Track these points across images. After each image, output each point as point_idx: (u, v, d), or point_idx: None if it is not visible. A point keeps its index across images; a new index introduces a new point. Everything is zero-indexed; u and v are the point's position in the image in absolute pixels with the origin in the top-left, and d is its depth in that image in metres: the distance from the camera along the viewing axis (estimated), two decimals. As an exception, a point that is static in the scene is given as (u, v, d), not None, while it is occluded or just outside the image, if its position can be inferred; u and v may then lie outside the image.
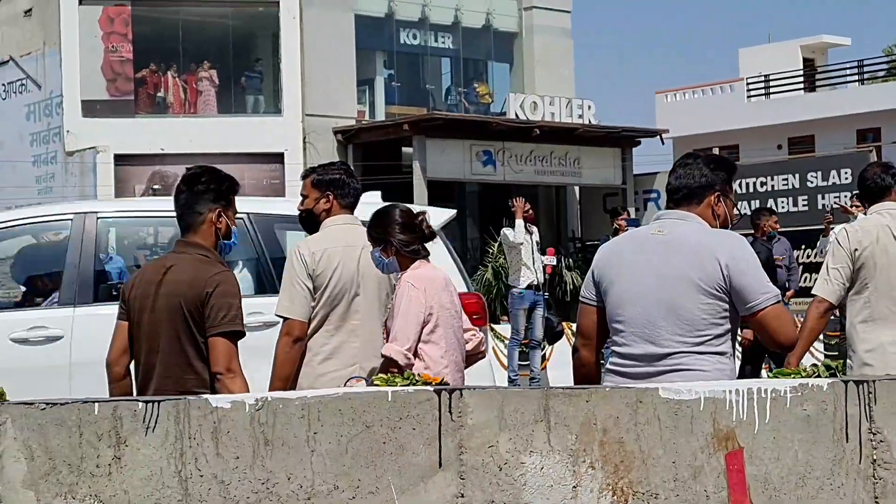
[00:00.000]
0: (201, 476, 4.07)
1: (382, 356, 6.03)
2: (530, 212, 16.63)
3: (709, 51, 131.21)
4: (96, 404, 4.08)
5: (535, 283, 16.39)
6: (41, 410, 4.05)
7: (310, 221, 6.60)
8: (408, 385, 4.26)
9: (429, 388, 4.19)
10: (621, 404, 4.23)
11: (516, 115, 30.37)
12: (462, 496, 4.14)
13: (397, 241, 6.15)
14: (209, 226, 5.55)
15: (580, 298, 5.30)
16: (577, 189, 33.02)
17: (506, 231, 16.71)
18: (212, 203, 5.56)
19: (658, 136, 32.96)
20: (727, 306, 4.99)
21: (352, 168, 6.84)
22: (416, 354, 6.04)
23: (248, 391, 5.33)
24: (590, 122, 31.20)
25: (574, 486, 4.19)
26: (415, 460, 4.14)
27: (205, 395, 4.29)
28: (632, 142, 32.31)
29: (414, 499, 4.12)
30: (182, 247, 5.60)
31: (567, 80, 33.87)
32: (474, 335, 6.52)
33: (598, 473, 4.20)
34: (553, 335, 16.89)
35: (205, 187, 5.58)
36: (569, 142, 30.63)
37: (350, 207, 6.53)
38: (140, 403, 4.10)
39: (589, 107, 31.45)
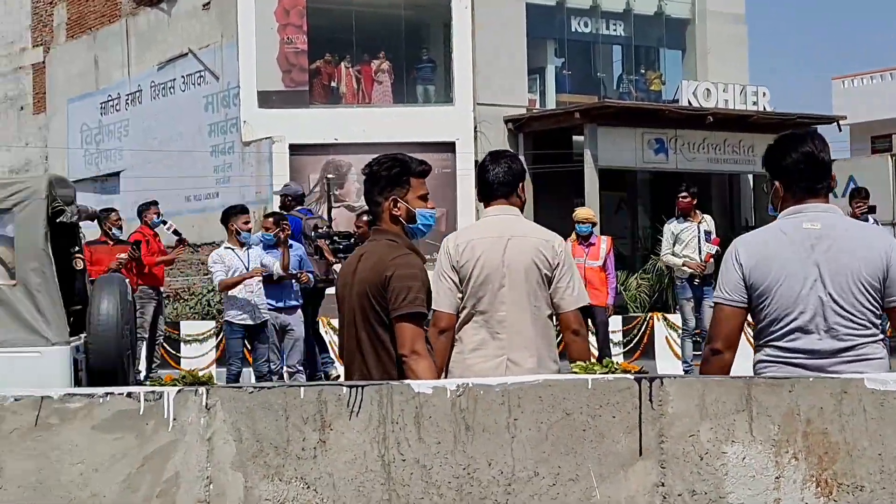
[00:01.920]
0: (403, 460, 4.11)
1: None
2: (685, 199, 16.39)
3: (888, 34, 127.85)
4: (302, 388, 4.16)
5: (698, 273, 16.22)
6: (249, 394, 4.14)
7: None
8: (607, 373, 4.25)
9: (629, 376, 4.17)
10: (825, 395, 4.16)
11: (689, 102, 30.04)
12: (662, 485, 4.12)
13: None
14: (387, 214, 5.66)
15: (721, 301, 5.12)
16: (750, 177, 32.54)
17: (664, 234, 16.78)
18: (386, 192, 5.66)
19: (835, 123, 32.28)
20: (881, 299, 4.95)
21: (501, 154, 6.73)
22: None
23: (434, 372, 5.41)
24: (764, 108, 30.71)
25: (776, 477, 4.14)
26: (615, 448, 4.12)
27: (407, 381, 4.33)
28: (807, 129, 31.67)
29: (614, 487, 4.11)
30: (374, 234, 5.77)
31: (741, 67, 33.34)
32: None
33: (802, 465, 4.14)
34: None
35: (376, 177, 5.70)
36: (743, 129, 30.17)
37: (503, 196, 6.48)
38: (344, 388, 4.15)
39: (763, 93, 30.94)
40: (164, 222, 16.27)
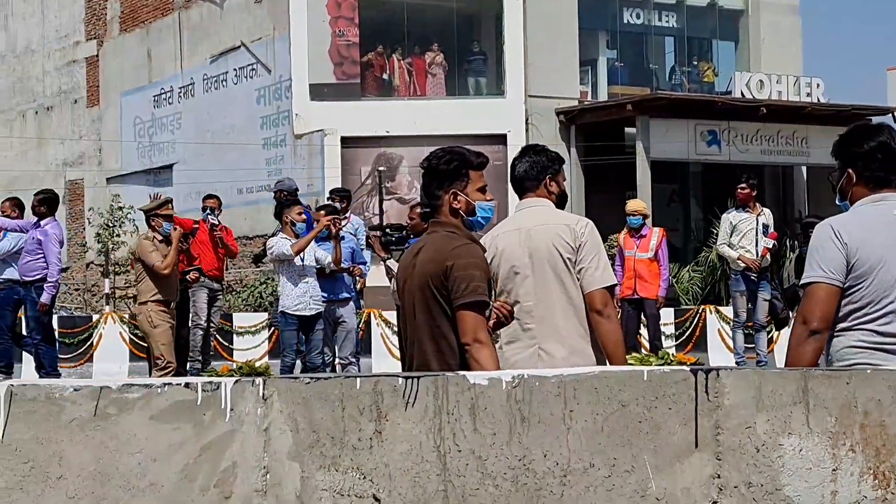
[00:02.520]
0: (459, 451, 4.12)
1: None
2: (744, 190, 16.31)
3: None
4: (358, 379, 4.17)
5: (753, 269, 16.12)
6: (306, 385, 4.15)
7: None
8: (663, 364, 4.25)
9: (685, 367, 4.17)
10: (883, 387, 4.13)
11: (742, 93, 29.89)
12: (718, 477, 4.11)
13: None
14: (447, 207, 5.72)
15: (822, 280, 5.07)
16: (804, 169, 32.35)
17: (721, 224, 16.71)
18: (446, 185, 5.71)
19: (890, 115, 32.02)
20: None
21: (526, 148, 6.79)
22: None
23: (496, 361, 5.43)
24: (818, 100, 30.51)
25: (833, 470, 4.12)
26: (671, 440, 4.11)
27: (462, 372, 4.34)
28: (862, 120, 31.46)
29: (670, 479, 4.11)
30: (433, 227, 5.82)
31: (794, 58, 33.14)
32: None
33: (859, 457, 4.12)
34: (778, 321, 16.57)
35: (435, 171, 5.75)
36: (796, 121, 30.00)
37: (530, 189, 6.51)
38: (400, 379, 4.16)
39: (818, 85, 30.75)
40: (210, 214, 16.35)
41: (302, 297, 13.30)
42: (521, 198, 6.57)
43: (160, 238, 12.85)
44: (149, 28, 34.65)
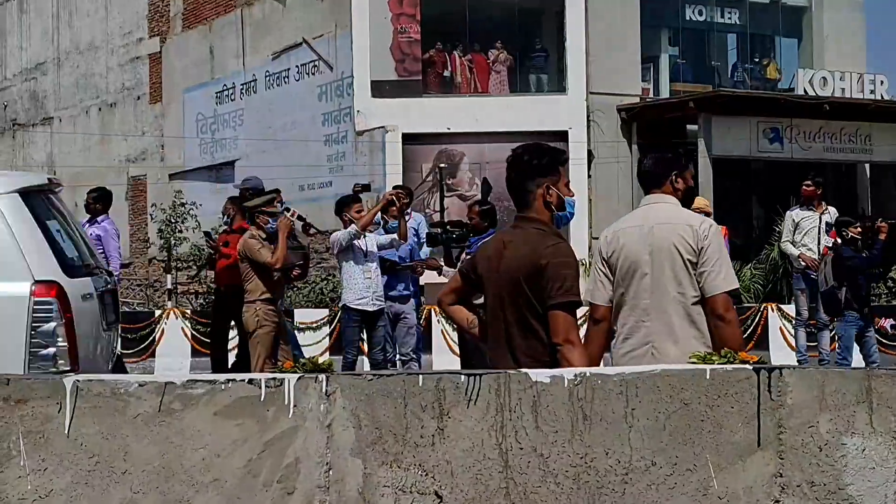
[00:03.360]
0: (521, 449, 4.13)
1: None
2: (809, 187, 16.20)
3: None
4: (420, 376, 4.19)
5: (813, 269, 16.00)
6: (368, 381, 4.18)
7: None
8: (725, 363, 4.24)
9: (748, 366, 4.16)
10: (948, 387, 4.12)
11: (805, 91, 29.68)
12: (780, 475, 4.10)
13: None
14: (540, 200, 5.79)
15: None
16: (867, 166, 32.06)
17: (785, 221, 16.59)
18: (538, 179, 5.80)
19: (956, 112, 31.67)
20: None
21: (655, 145, 6.87)
22: None
23: (586, 361, 5.42)
24: (882, 97, 30.23)
25: (897, 470, 4.10)
26: (733, 439, 4.11)
27: (524, 370, 4.35)
28: (927, 118, 31.18)
29: (732, 477, 4.10)
30: (519, 222, 5.87)
31: (858, 55, 32.84)
32: None
33: (924, 457, 4.10)
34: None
35: (528, 165, 5.82)
36: (860, 118, 29.74)
37: (655, 185, 6.51)
38: (462, 376, 4.18)
39: (881, 82, 30.48)
40: (288, 210, 16.35)
41: (365, 292, 13.28)
42: (646, 193, 6.58)
43: (264, 235, 12.73)
44: (211, 25, 34.85)
